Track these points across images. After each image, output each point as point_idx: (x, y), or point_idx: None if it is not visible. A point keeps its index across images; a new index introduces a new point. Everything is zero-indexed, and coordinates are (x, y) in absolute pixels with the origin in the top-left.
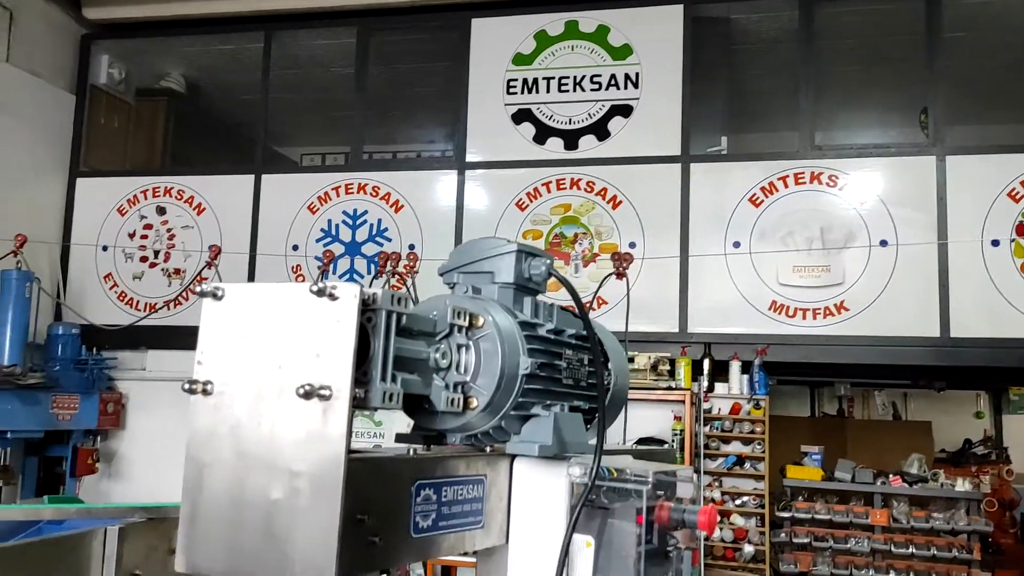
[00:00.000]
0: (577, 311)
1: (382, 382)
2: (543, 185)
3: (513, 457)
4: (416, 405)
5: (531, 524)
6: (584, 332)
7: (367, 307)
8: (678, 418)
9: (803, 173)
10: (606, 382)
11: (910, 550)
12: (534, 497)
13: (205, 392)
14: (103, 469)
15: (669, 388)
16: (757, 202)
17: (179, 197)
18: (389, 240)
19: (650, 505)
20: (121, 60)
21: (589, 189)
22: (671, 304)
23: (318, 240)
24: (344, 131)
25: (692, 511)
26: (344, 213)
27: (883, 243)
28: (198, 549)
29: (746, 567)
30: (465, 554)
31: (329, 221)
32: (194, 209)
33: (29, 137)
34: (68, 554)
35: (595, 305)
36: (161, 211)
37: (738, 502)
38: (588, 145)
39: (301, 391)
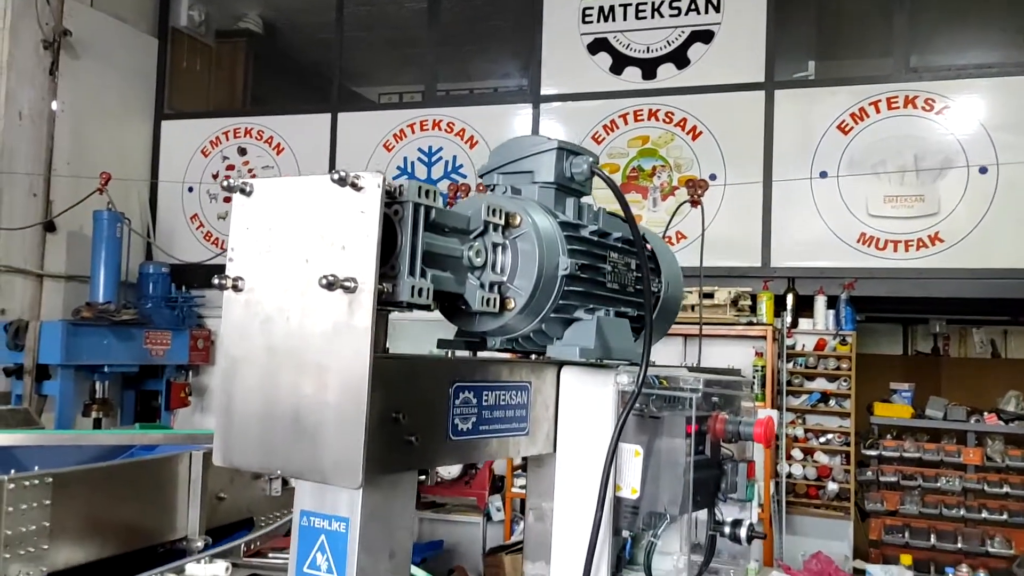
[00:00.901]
0: (623, 213)
1: (410, 276)
2: (620, 117)
3: (560, 366)
4: (453, 307)
5: (578, 433)
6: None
7: (393, 199)
8: (759, 354)
9: (896, 97)
10: (656, 290)
11: (1004, 489)
12: (581, 405)
13: (236, 288)
14: (195, 402)
15: (750, 323)
16: (846, 129)
17: (259, 137)
18: (464, 177)
19: (703, 415)
20: (200, 2)
21: (668, 120)
22: (753, 238)
23: (395, 178)
24: (419, 68)
25: (748, 423)
26: (419, 150)
27: (982, 170)
28: (233, 444)
29: (829, 505)
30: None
31: (405, 159)
32: (273, 149)
33: (115, 81)
34: (156, 476)
35: (673, 239)
36: (242, 152)
37: (822, 440)
38: (667, 74)
39: (324, 281)
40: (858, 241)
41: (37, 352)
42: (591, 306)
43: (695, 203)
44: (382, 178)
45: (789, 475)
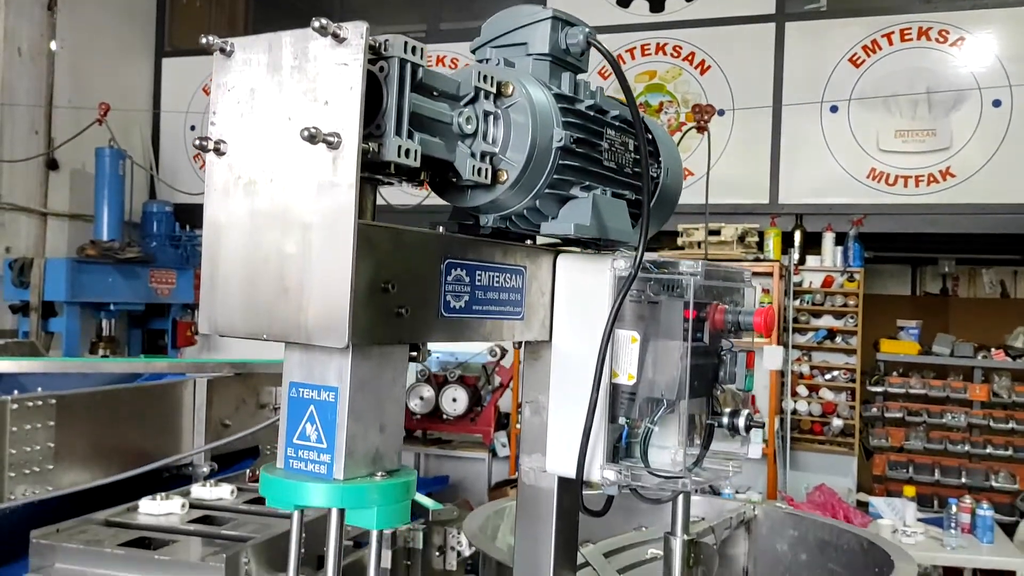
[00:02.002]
0: (623, 92)
1: (396, 136)
2: (627, 52)
3: (557, 253)
4: (444, 180)
5: (574, 319)
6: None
7: (379, 55)
8: (766, 291)
9: (910, 29)
10: (655, 175)
11: (1010, 425)
12: (577, 291)
13: (218, 151)
14: (202, 342)
15: (757, 260)
16: (858, 62)
17: None
18: None
19: (701, 302)
20: None
21: (676, 54)
22: (761, 174)
23: None
24: (422, 7)
25: (747, 312)
26: None
27: (996, 103)
28: (218, 310)
29: (834, 441)
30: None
31: None
32: None
33: (115, 18)
34: (161, 401)
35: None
36: None
37: (828, 377)
38: (675, 6)
39: (306, 134)
40: (868, 177)
41: (42, 289)
42: (587, 183)
43: (701, 129)
44: (365, 27)
45: (794, 412)
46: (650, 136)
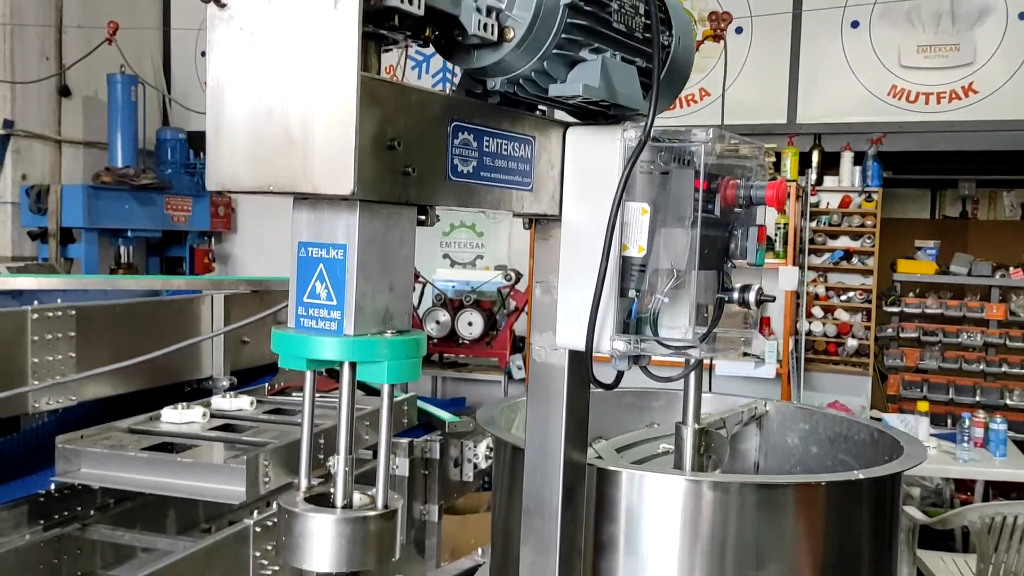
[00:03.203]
0: None
1: None
2: None
3: (567, 127)
4: (449, 40)
5: (584, 192)
6: None
7: None
8: (782, 211)
9: None
10: (666, 43)
11: None
12: (587, 163)
13: (219, 3)
14: (219, 269)
15: (773, 180)
16: None
17: None
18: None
19: (713, 173)
20: None
21: None
22: (779, 94)
23: None
24: None
25: (759, 186)
26: None
27: (1022, 16)
28: (223, 166)
29: (848, 361)
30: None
31: None
32: None
33: None
34: (179, 315)
35: (696, 96)
36: None
37: (843, 297)
38: None
39: None
40: (888, 94)
41: (60, 215)
42: (596, 46)
43: (718, 38)
44: None
45: (809, 332)
46: (661, 2)
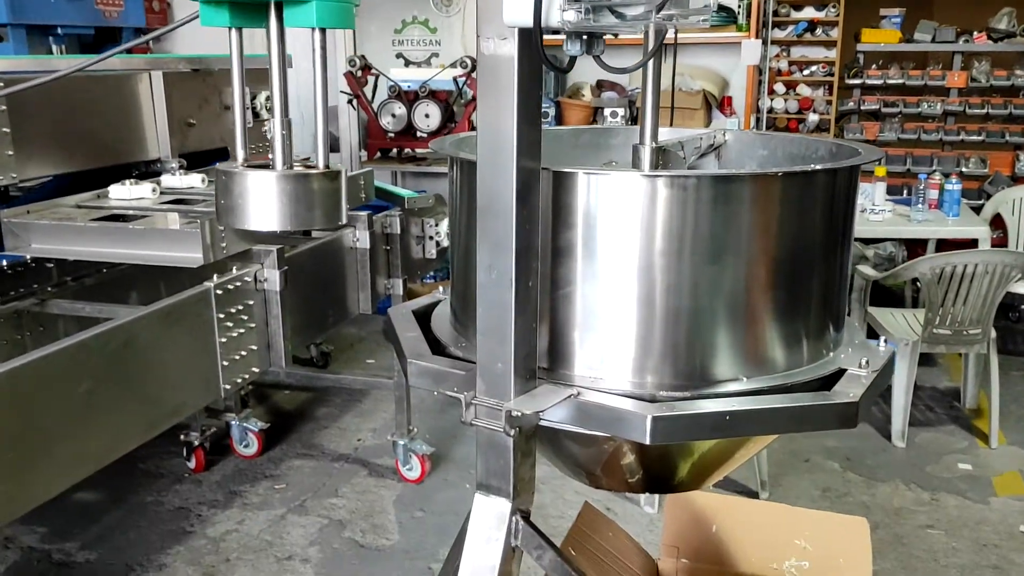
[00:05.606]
0: None
1: None
2: None
3: None
4: None
5: None
6: None
7: None
8: None
9: None
10: None
11: (985, 111)
12: None
13: None
14: None
15: None
16: None
17: None
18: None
19: None
20: None
21: None
22: None
23: None
24: None
25: None
26: None
27: None
28: None
29: (809, 135)
30: None
31: None
32: None
33: None
34: (117, 92)
35: None
36: None
37: (806, 72)
38: None
39: None
40: None
41: None
42: None
43: None
44: None
45: (771, 110)
46: None
